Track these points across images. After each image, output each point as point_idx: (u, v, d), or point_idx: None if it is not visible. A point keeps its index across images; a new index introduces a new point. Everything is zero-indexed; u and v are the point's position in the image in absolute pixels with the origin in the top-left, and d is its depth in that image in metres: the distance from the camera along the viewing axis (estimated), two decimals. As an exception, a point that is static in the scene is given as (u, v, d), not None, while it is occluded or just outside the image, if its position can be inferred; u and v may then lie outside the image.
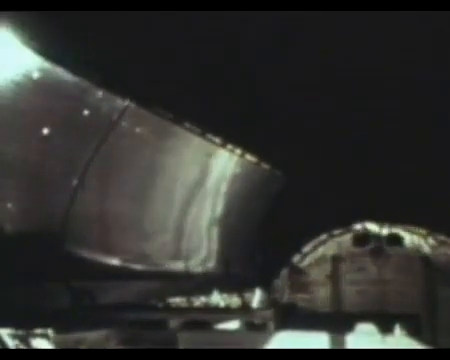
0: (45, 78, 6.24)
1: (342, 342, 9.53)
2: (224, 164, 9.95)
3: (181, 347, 8.39)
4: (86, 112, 6.95)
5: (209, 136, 8.69)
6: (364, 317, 10.10)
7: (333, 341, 9.59)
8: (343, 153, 9.21)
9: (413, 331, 9.58)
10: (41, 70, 6.16)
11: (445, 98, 7.19)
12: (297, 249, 11.10)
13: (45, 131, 6.69)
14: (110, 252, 8.41)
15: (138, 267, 9.04)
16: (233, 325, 9.74)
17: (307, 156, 9.19)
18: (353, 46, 6.05)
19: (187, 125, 8.21)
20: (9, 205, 6.69)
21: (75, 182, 7.36)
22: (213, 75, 6.84)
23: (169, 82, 6.71)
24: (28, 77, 6.13)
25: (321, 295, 10.62)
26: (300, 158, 9.28)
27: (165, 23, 5.62)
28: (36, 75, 6.15)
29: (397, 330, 9.86)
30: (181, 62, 6.40)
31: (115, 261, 8.52)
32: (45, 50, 5.75)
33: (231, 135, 8.59)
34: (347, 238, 10.91)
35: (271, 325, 9.58)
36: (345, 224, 10.91)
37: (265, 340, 8.96)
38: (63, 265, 7.40)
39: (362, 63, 6.43)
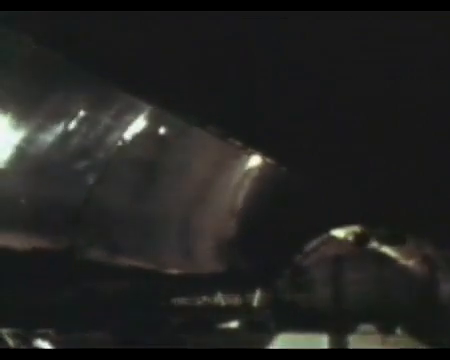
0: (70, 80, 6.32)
1: (342, 342, 9.56)
2: (232, 163, 9.92)
3: (182, 346, 8.42)
4: (110, 113, 7.04)
5: (212, 132, 8.66)
6: (365, 317, 10.13)
7: (333, 341, 9.62)
8: (345, 154, 9.22)
9: (413, 331, 9.58)
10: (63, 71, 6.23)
11: (445, 101, 7.20)
12: (298, 249, 11.12)
13: (67, 128, 6.78)
14: (114, 251, 8.44)
15: (142, 266, 9.07)
16: (234, 324, 9.78)
17: (309, 157, 9.19)
18: (355, 46, 6.05)
19: (208, 127, 8.22)
20: (22, 201, 6.75)
21: (92, 180, 7.44)
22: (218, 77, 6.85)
23: (192, 85, 6.71)
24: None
25: (322, 295, 10.64)
26: (302, 159, 9.29)
27: (182, 26, 5.61)
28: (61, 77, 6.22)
29: (397, 330, 9.86)
30: (201, 65, 6.38)
31: (119, 260, 8.55)
32: (66, 51, 5.79)
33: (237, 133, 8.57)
34: (348, 238, 10.93)
35: (272, 324, 9.62)
36: (346, 224, 10.93)
37: (266, 339, 8.99)
38: (68, 265, 7.44)
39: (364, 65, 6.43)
